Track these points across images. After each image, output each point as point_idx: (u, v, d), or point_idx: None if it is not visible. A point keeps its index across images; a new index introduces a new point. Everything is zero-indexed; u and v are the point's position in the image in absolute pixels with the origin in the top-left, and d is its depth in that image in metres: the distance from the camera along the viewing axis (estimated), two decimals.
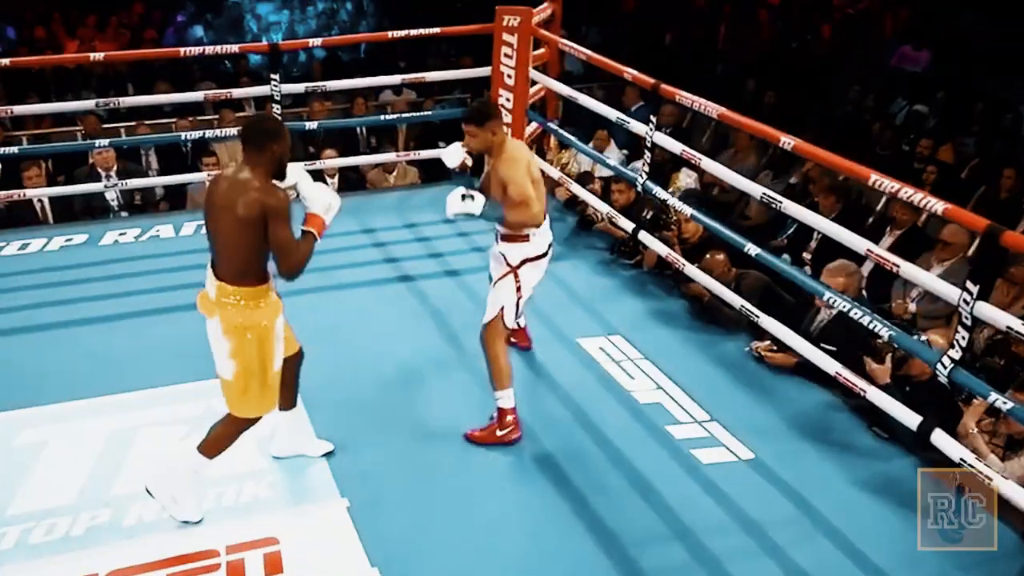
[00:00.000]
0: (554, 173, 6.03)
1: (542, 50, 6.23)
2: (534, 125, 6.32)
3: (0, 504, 3.30)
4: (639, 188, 5.07)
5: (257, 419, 3.20)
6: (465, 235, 5.67)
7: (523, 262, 3.60)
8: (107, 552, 3.10)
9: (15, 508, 3.29)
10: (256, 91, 6.27)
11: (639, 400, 4.05)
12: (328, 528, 3.24)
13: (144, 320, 4.56)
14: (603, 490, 3.46)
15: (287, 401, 3.41)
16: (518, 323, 4.04)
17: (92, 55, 6.04)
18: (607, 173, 6.02)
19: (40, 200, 6.25)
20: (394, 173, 7.13)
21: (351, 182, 7.00)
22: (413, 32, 6.13)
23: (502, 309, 3.61)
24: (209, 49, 6.07)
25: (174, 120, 7.73)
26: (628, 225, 5.15)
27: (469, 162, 3.74)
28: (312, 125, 6.38)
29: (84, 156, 6.61)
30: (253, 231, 2.88)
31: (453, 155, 3.71)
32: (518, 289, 3.61)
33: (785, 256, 5.69)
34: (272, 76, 5.74)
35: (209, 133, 6.20)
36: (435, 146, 7.85)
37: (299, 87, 6.46)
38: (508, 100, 6.05)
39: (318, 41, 6.52)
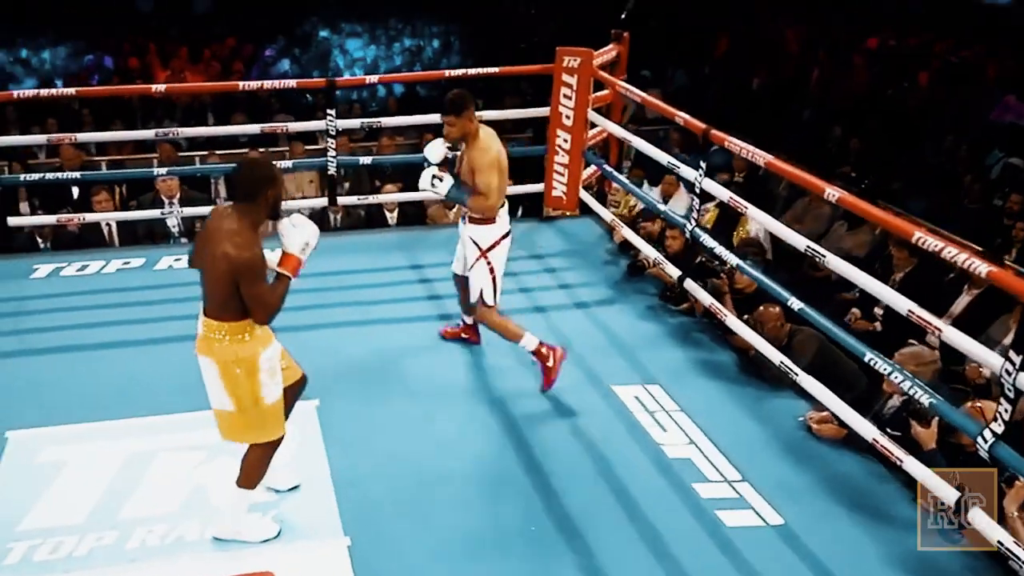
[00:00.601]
0: (606, 215, 5.99)
1: (605, 92, 6.25)
2: (593, 168, 6.32)
3: (12, 519, 3.42)
4: (687, 234, 4.97)
5: (279, 440, 3.26)
6: (512, 275, 5.64)
7: (492, 245, 4.11)
8: (107, 575, 3.18)
9: (26, 524, 3.41)
10: (312, 126, 6.47)
11: (668, 454, 3.94)
12: (325, 566, 3.25)
13: (180, 346, 4.66)
14: (615, 545, 3.37)
15: None
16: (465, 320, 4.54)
17: (155, 87, 6.38)
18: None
19: (108, 224, 6.57)
20: (454, 209, 7.20)
21: (410, 217, 7.11)
22: (471, 71, 6.23)
23: (481, 292, 4.16)
24: (267, 84, 6.30)
25: (246, 151, 8.03)
26: (676, 271, 5.06)
27: (451, 156, 4.11)
28: (366, 160, 6.54)
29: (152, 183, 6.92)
30: (229, 281, 2.99)
31: (436, 150, 4.04)
32: (491, 270, 4.13)
33: (854, 311, 5.50)
34: (328, 112, 5.92)
35: (284, 164, 6.43)
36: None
37: (355, 123, 6.64)
38: (565, 141, 6.08)
39: (374, 78, 6.73)
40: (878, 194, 6.80)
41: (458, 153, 4.10)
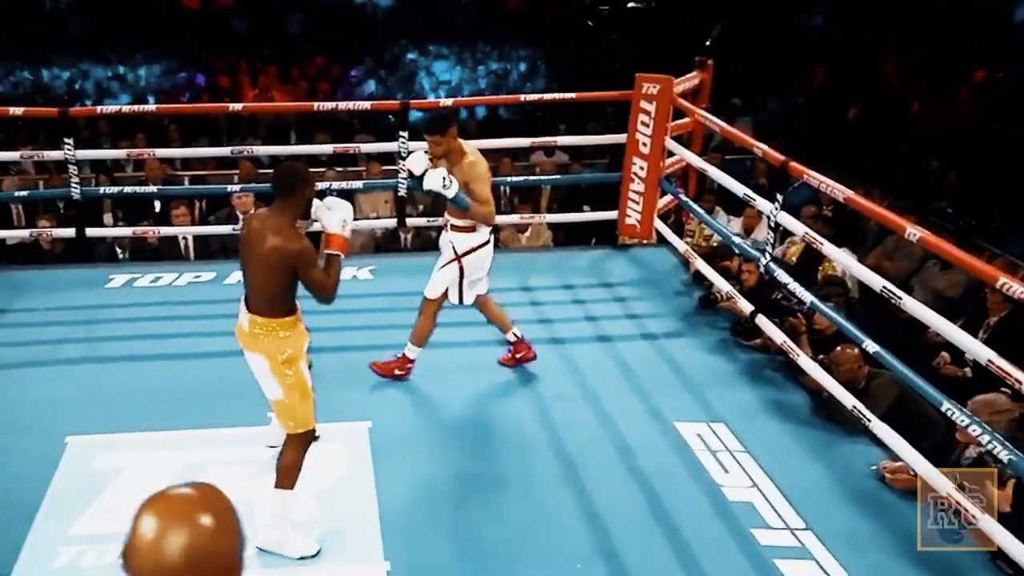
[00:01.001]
0: (680, 246, 5.90)
1: (685, 120, 6.18)
2: (669, 197, 6.24)
3: (65, 523, 3.54)
4: (761, 269, 4.84)
5: (312, 433, 3.41)
6: (580, 303, 5.63)
7: (468, 251, 4.32)
8: None
9: (77, 529, 3.52)
10: (385, 147, 6.58)
11: (728, 496, 3.82)
12: None
13: (239, 359, 4.79)
14: None
15: None
16: (515, 334, 4.70)
17: (231, 106, 6.62)
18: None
19: (184, 238, 6.80)
20: (527, 233, 7.23)
21: None
22: (547, 96, 6.24)
23: (447, 290, 4.39)
24: (342, 105, 6.44)
25: (324, 170, 8.20)
26: (748, 306, 4.94)
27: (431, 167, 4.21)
28: None
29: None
30: (282, 273, 3.20)
31: (418, 162, 4.16)
32: (461, 274, 4.35)
33: (944, 355, 5.26)
34: (401, 133, 6.01)
35: (356, 183, 6.69)
36: (579, 210, 7.94)
37: (426, 144, 6.69)
38: (642, 168, 6.03)
39: (449, 101, 6.79)
40: (975, 233, 6.52)
41: (427, 157, 4.25)
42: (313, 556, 3.38)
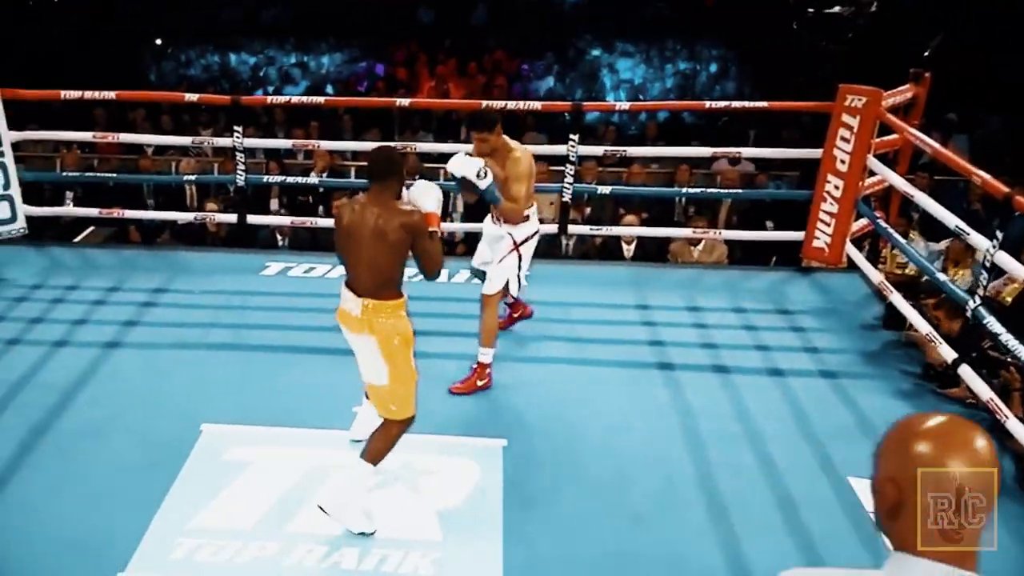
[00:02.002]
0: (874, 276, 5.43)
1: (893, 136, 5.71)
2: (864, 220, 5.78)
3: (187, 514, 3.60)
4: (968, 313, 4.33)
5: (411, 420, 3.53)
6: (752, 329, 5.29)
7: (525, 240, 4.50)
8: None
9: (197, 522, 3.56)
10: (553, 150, 6.46)
11: None
12: None
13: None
14: None
15: None
16: (518, 296, 4.88)
17: (399, 101, 6.74)
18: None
19: None
20: (700, 247, 6.91)
21: (649, 251, 6.90)
22: (735, 104, 5.92)
23: (507, 282, 4.48)
24: (511, 104, 6.36)
25: None
26: (950, 352, 4.45)
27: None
28: (604, 189, 6.48)
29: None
30: (402, 250, 3.37)
31: (468, 165, 4.16)
32: (520, 261, 4.49)
33: None
34: (571, 137, 5.88)
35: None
36: (761, 226, 7.54)
37: (597, 149, 6.63)
38: (837, 188, 5.61)
39: (626, 105, 6.59)
40: None
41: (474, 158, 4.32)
42: (369, 535, 3.48)
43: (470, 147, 4.56)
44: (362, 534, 3.48)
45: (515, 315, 5.13)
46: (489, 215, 4.64)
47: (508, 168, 4.34)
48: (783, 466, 3.99)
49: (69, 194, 7.72)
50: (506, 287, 4.54)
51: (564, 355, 4.94)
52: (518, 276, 4.54)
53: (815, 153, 5.82)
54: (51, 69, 10.66)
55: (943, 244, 6.09)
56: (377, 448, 3.47)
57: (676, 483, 3.88)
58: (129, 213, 6.49)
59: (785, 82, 11.91)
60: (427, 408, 4.25)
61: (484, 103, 6.65)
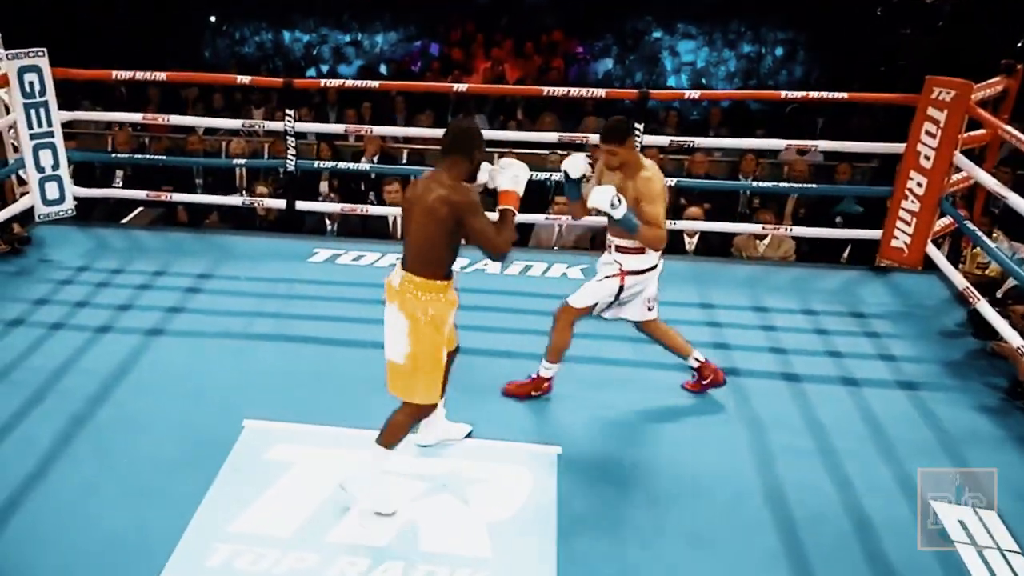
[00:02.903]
0: (959, 281, 5.10)
1: (980, 131, 5.37)
2: (947, 219, 5.45)
3: (227, 517, 3.45)
4: None
5: (432, 407, 3.51)
6: (824, 334, 5.01)
7: (635, 271, 4.02)
8: None
9: (237, 525, 3.42)
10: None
11: None
12: None
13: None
14: None
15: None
16: (697, 358, 4.34)
17: (456, 86, 6.56)
18: None
19: (395, 216, 6.76)
20: (767, 241, 6.61)
21: (713, 245, 6.62)
22: (812, 94, 5.62)
23: (595, 304, 4.05)
24: (574, 91, 6.13)
25: (548, 153, 7.93)
26: None
27: (589, 173, 4.07)
28: (669, 181, 6.18)
29: None
30: (445, 228, 3.25)
31: (576, 165, 3.94)
32: (620, 291, 4.03)
33: None
34: (636, 125, 5.62)
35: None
36: (832, 222, 7.20)
37: (662, 140, 6.39)
38: (920, 185, 5.30)
39: (696, 93, 6.30)
40: None
41: (587, 161, 4.05)
42: (389, 515, 3.46)
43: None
44: (379, 515, 3.47)
45: (704, 380, 4.33)
46: (606, 251, 4.13)
47: (639, 188, 3.87)
48: (860, 486, 3.73)
49: (119, 173, 7.66)
50: (593, 307, 4.09)
51: (622, 357, 4.71)
52: (609, 303, 4.07)
53: (897, 148, 5.50)
54: (108, 47, 10.66)
55: None
56: (389, 431, 3.45)
57: (744, 502, 3.64)
58: (177, 196, 6.39)
59: (856, 70, 11.49)
60: (478, 409, 4.10)
61: (545, 89, 6.44)
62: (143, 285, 5.38)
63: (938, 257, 5.38)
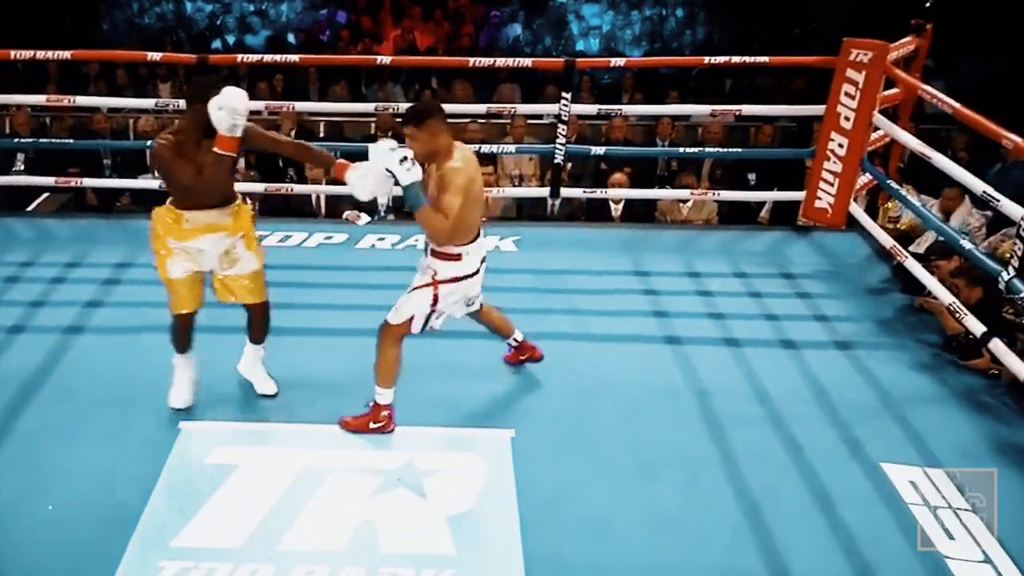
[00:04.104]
0: (886, 240, 5.03)
1: (894, 90, 5.30)
2: (867, 177, 5.38)
3: (169, 530, 3.13)
4: (1002, 284, 3.94)
5: (179, 317, 3.71)
6: (757, 296, 4.90)
7: (449, 280, 3.55)
8: None
9: (182, 540, 3.10)
10: (543, 108, 5.97)
11: (956, 572, 3.08)
12: None
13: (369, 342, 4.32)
14: None
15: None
16: (515, 339, 4.06)
17: (379, 58, 6.25)
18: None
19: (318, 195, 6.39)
20: (689, 204, 6.49)
21: (637, 211, 6.46)
22: (735, 59, 5.44)
23: (412, 318, 3.55)
24: (500, 61, 5.84)
25: (467, 120, 7.60)
26: (977, 326, 4.08)
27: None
28: (599, 150, 6.01)
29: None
30: None
31: (391, 153, 3.28)
32: (434, 302, 3.54)
33: None
34: (563, 95, 5.38)
35: (508, 147, 6.30)
36: (744, 179, 7.13)
37: (591, 108, 6.13)
38: (841, 146, 5.20)
39: (621, 61, 6.06)
40: None
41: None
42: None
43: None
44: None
45: (521, 357, 4.11)
46: (424, 251, 3.64)
47: (441, 176, 3.35)
48: (811, 453, 3.62)
49: (20, 156, 7.03)
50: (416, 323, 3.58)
51: (566, 330, 4.50)
52: (426, 318, 3.56)
53: (817, 110, 5.40)
54: None
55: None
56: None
57: (702, 476, 3.49)
58: (88, 182, 5.88)
59: (756, 32, 11.44)
60: (427, 396, 3.84)
61: (472, 60, 6.12)
62: (56, 278, 4.90)
63: (861, 216, 5.32)
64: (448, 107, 6.08)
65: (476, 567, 3.02)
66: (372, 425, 3.65)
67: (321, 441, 3.61)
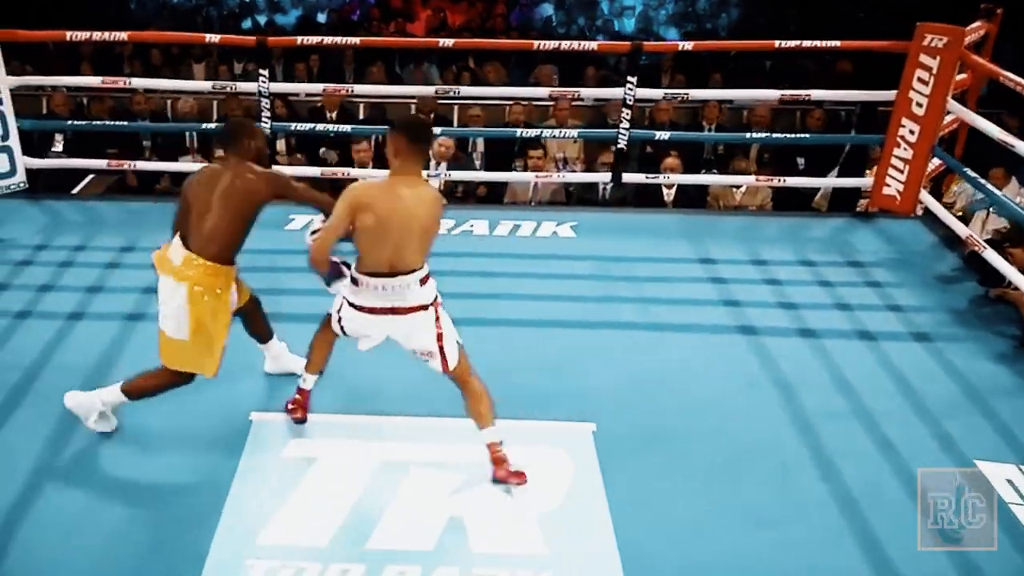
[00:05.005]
0: (961, 229, 4.86)
1: (963, 76, 5.14)
2: (936, 162, 5.22)
3: (254, 527, 3.03)
4: None
5: (189, 378, 3.32)
6: (827, 285, 4.76)
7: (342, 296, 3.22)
8: None
9: (266, 537, 3.00)
10: (607, 93, 5.82)
11: None
12: None
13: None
14: None
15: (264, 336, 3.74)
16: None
17: (442, 41, 6.03)
18: None
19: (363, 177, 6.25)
20: (743, 189, 6.32)
21: (691, 196, 6.30)
22: (806, 44, 5.26)
23: (329, 314, 3.32)
24: (565, 45, 5.65)
25: (508, 103, 7.44)
26: None
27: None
28: (663, 135, 5.86)
29: None
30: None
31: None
32: (340, 308, 3.23)
33: None
34: (629, 79, 5.25)
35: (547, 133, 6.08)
36: (793, 165, 6.97)
37: (656, 92, 6.06)
38: (912, 132, 5.06)
39: (688, 45, 5.82)
40: None
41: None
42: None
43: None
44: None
45: (289, 406, 3.53)
46: None
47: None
48: (904, 450, 3.49)
49: (59, 137, 6.92)
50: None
51: (635, 319, 4.38)
52: (338, 318, 3.23)
53: (888, 95, 5.23)
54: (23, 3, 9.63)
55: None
56: (139, 386, 3.36)
57: (794, 472, 3.37)
58: (141, 165, 5.75)
59: (790, 5, 11.21)
60: (501, 388, 3.71)
61: (536, 44, 5.93)
62: (112, 264, 4.79)
63: (933, 204, 5.16)
64: (512, 91, 5.90)
65: (573, 569, 2.91)
66: (289, 407, 3.52)
67: (396, 433, 3.50)
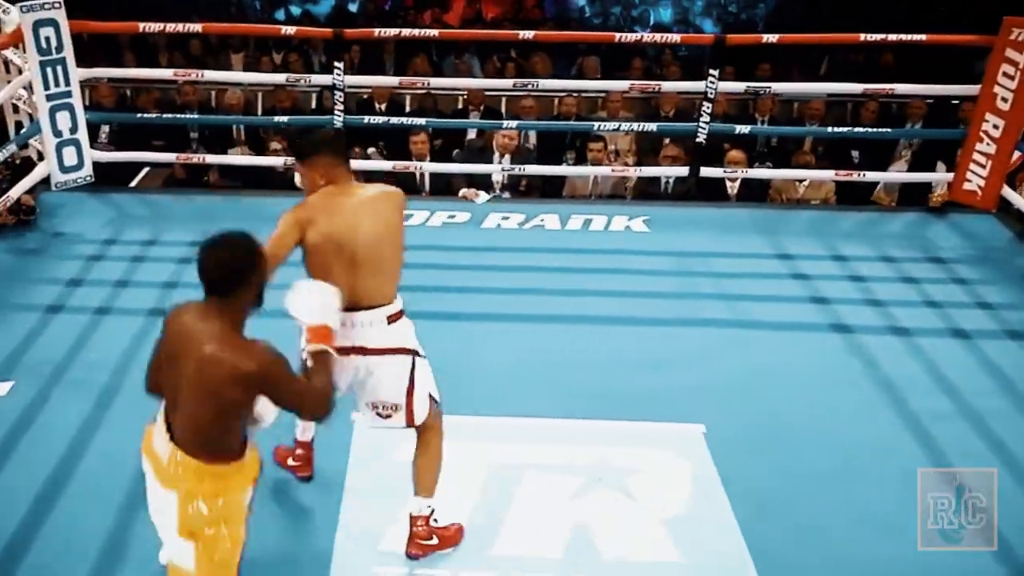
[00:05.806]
0: None
1: None
2: (1016, 154, 5.14)
3: (372, 533, 2.96)
4: None
5: None
6: (913, 282, 4.68)
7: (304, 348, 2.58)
8: None
9: (388, 543, 2.92)
10: (690, 86, 5.72)
11: None
12: None
13: (531, 328, 4.12)
14: None
15: None
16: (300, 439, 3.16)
17: (522, 33, 5.88)
18: None
19: (421, 171, 6.14)
20: (806, 182, 6.22)
21: (753, 189, 6.20)
22: (891, 37, 5.16)
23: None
24: (647, 36, 5.56)
25: (563, 95, 7.30)
26: None
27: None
28: (743, 129, 5.82)
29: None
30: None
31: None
32: (302, 347, 2.60)
33: None
34: (711, 72, 5.19)
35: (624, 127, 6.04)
36: (848, 157, 6.86)
37: (738, 85, 5.97)
38: (996, 127, 4.96)
39: (773, 37, 5.65)
40: None
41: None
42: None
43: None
44: None
45: (288, 457, 3.19)
46: None
47: None
48: (1020, 451, 3.42)
49: (104, 129, 6.81)
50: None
51: (724, 317, 4.30)
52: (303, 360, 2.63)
53: (971, 90, 5.14)
54: None
55: None
56: None
57: (913, 476, 3.28)
58: (211, 158, 5.66)
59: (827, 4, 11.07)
60: (604, 388, 3.66)
61: (617, 36, 5.83)
62: (185, 259, 4.69)
63: (1016, 199, 5.08)
64: (590, 84, 5.77)
65: (704, 563, 2.84)
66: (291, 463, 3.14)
67: (506, 435, 3.44)
